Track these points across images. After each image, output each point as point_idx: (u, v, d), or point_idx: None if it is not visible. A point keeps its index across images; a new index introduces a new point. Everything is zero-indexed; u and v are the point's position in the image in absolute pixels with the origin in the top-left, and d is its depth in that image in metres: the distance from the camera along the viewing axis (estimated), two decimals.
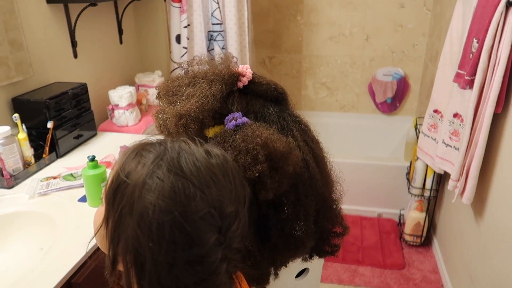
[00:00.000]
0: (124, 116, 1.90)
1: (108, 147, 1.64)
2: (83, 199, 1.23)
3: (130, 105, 1.90)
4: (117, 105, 1.89)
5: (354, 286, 2.04)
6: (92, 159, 1.15)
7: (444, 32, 2.35)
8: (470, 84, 1.43)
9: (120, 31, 2.14)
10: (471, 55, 1.46)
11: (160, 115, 0.77)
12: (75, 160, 1.52)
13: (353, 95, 3.09)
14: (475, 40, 1.43)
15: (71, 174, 1.38)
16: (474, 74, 1.40)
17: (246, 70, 0.79)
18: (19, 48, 1.49)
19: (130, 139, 1.71)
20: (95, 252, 1.06)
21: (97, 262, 1.05)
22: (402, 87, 2.92)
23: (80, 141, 1.64)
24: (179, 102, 0.73)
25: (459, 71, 1.54)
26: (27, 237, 1.17)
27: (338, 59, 2.99)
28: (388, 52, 2.91)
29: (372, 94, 3.01)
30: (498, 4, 1.27)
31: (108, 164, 1.44)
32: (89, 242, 1.01)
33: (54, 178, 1.36)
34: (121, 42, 2.17)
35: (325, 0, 2.85)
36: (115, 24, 2.11)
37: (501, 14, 1.28)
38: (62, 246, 1.05)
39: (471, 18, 1.50)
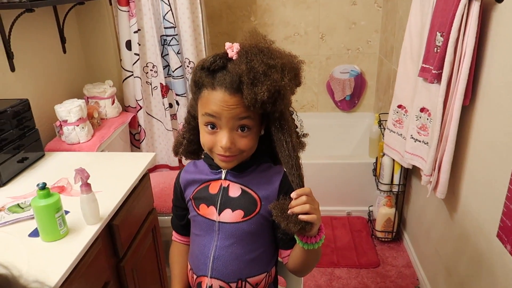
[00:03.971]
0: (75, 132, 1.72)
1: (59, 169, 1.46)
2: (35, 234, 1.07)
3: (80, 120, 1.73)
4: (65, 121, 1.71)
5: None
6: (43, 187, 1.00)
7: (398, 27, 2.37)
8: (438, 78, 1.42)
9: (63, 39, 1.95)
10: (435, 49, 1.45)
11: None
12: (21, 188, 1.33)
13: (312, 95, 3.07)
14: (438, 34, 1.42)
15: (18, 205, 1.20)
16: (441, 68, 1.39)
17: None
18: None
19: (84, 158, 1.55)
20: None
21: None
22: (359, 84, 2.94)
23: (25, 164, 1.45)
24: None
25: (424, 65, 1.53)
26: None
27: None
28: (343, 49, 2.91)
29: (331, 93, 3.01)
30: None
31: (61, 189, 1.28)
32: None
33: None
34: (64, 51, 1.98)
35: (278, 0, 2.81)
36: (56, 32, 1.92)
37: (465, 6, 1.27)
38: None
39: (432, 12, 1.50)
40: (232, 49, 0.84)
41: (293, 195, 0.81)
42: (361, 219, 2.50)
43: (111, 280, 1.22)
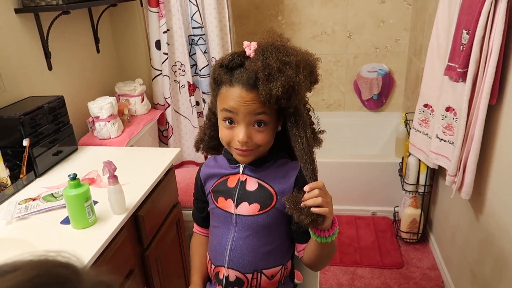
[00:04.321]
0: (106, 128, 1.81)
1: (90, 162, 1.55)
2: (66, 221, 1.15)
3: (111, 116, 1.81)
4: (97, 117, 1.80)
5: None
6: (74, 177, 1.07)
7: (427, 25, 2.33)
8: (463, 76, 1.39)
9: (97, 40, 2.05)
10: (461, 47, 1.43)
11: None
12: (55, 179, 1.42)
13: (339, 94, 3.05)
14: (464, 32, 1.40)
15: (52, 194, 1.28)
16: (466, 66, 1.37)
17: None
18: None
19: (114, 152, 1.63)
20: None
21: None
22: (387, 83, 2.90)
23: (60, 157, 1.54)
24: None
25: (450, 63, 1.51)
26: None
27: (322, 58, 2.92)
28: (371, 48, 2.88)
29: (358, 92, 2.98)
30: None
31: (91, 180, 1.36)
32: None
33: (34, 199, 1.26)
34: (98, 51, 2.07)
35: None
36: (90, 32, 2.02)
37: (491, 3, 1.25)
38: None
39: (459, 9, 1.47)
40: (250, 48, 0.88)
41: (306, 188, 0.83)
42: (386, 220, 2.47)
43: (136, 268, 1.28)
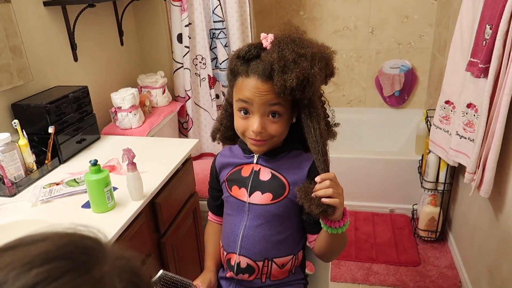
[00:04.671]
0: (128, 118, 1.86)
1: (112, 150, 1.60)
2: (87, 205, 1.19)
3: (133, 107, 1.86)
4: (120, 108, 1.85)
5: (368, 285, 1.98)
6: (94, 163, 1.11)
7: (452, 21, 2.28)
8: (485, 72, 1.37)
9: (121, 32, 2.10)
10: (484, 42, 1.40)
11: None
12: (78, 165, 1.48)
13: (360, 90, 3.03)
14: (488, 27, 1.37)
15: (74, 180, 1.34)
16: (488, 61, 1.34)
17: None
18: (18, 53, 1.45)
19: (135, 142, 1.67)
20: None
21: None
22: (410, 80, 2.86)
23: (83, 145, 1.60)
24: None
25: (472, 59, 1.48)
26: None
27: (343, 53, 2.93)
28: (394, 44, 2.84)
29: (380, 88, 2.95)
30: None
31: (112, 168, 1.41)
32: None
33: (57, 184, 1.32)
34: (122, 43, 2.13)
35: None
36: (115, 25, 2.07)
37: None
38: None
39: (483, 4, 1.44)
40: (267, 39, 0.89)
41: (317, 179, 0.85)
42: (404, 217, 2.45)
43: (152, 253, 1.33)
